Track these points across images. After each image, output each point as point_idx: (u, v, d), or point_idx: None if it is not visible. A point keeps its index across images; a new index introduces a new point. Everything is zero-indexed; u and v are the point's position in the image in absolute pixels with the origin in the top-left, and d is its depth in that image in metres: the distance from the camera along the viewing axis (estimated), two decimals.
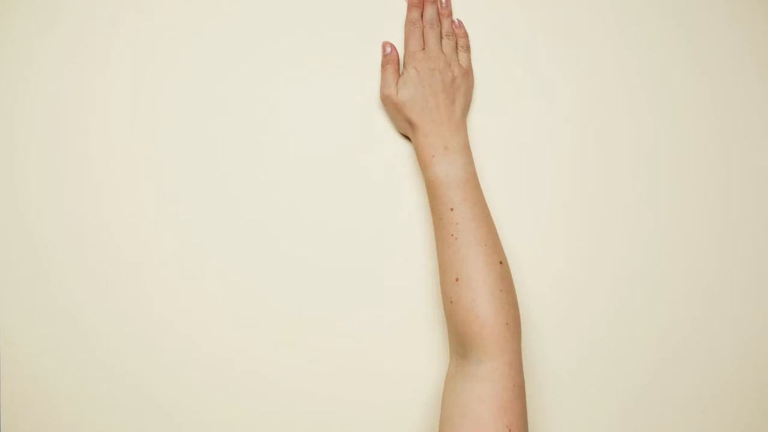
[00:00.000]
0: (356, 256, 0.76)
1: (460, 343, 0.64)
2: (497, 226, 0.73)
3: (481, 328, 0.62)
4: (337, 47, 0.78)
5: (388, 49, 0.75)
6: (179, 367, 0.76)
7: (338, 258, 0.76)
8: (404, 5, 0.78)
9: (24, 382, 0.76)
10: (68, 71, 0.77)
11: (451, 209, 0.67)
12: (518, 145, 0.77)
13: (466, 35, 0.77)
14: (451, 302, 0.65)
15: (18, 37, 0.77)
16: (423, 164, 0.71)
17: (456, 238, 0.66)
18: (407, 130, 0.74)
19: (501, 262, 0.66)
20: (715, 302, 0.77)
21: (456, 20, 0.77)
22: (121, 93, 0.77)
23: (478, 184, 0.70)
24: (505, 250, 0.72)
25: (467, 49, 0.76)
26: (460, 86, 0.73)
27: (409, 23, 0.75)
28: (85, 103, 0.77)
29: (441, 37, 0.75)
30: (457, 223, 0.67)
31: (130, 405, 0.76)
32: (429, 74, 0.72)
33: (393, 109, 0.73)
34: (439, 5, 0.77)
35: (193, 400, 0.75)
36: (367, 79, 0.77)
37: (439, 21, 0.76)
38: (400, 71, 0.75)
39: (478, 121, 0.77)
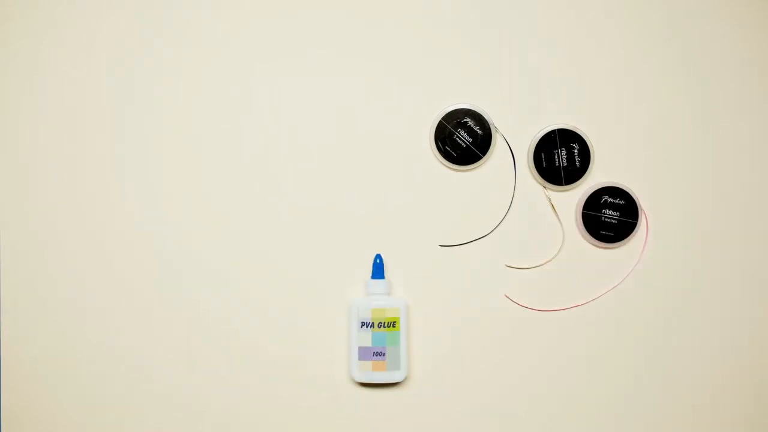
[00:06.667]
0: (361, 254, 0.76)
1: None
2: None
3: None
4: (343, 49, 0.78)
5: None
6: (181, 367, 0.76)
7: (344, 262, 0.77)
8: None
9: (25, 381, 0.75)
10: (75, 72, 0.77)
11: None
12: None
13: None
14: None
15: (18, 37, 0.77)
16: None
17: None
18: None
19: None
20: (710, 303, 0.77)
21: None
22: (125, 93, 0.77)
23: None
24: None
25: None
26: None
27: None
28: (89, 103, 0.77)
29: None
30: None
31: (132, 405, 0.76)
32: None
33: None
34: None
35: (194, 400, 0.75)
36: (373, 81, 0.77)
37: None
38: None
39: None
